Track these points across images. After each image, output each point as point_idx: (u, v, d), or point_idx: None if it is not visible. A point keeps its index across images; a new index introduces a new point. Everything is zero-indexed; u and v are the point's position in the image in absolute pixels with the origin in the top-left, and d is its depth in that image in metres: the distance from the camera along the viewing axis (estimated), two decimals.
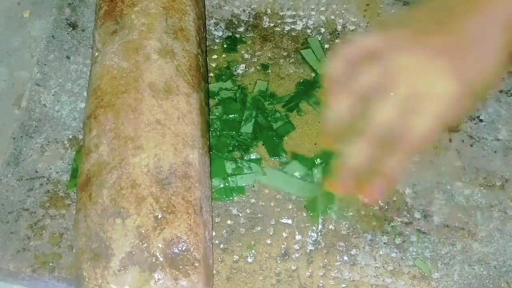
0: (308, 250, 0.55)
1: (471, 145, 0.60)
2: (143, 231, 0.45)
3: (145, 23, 0.53)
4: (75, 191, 0.57)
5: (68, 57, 0.63)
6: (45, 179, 0.58)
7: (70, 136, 0.60)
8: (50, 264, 0.54)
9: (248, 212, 0.57)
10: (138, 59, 0.52)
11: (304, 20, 0.65)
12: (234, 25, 0.65)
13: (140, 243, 0.45)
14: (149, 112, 0.50)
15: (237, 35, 0.65)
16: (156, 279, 0.45)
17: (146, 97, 0.50)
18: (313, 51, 0.64)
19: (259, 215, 0.56)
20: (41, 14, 0.72)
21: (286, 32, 0.65)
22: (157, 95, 0.50)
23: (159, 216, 0.46)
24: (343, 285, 0.54)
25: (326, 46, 0.64)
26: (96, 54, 0.54)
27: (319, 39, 0.64)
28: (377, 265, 0.55)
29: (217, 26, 0.65)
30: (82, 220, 0.48)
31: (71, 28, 0.65)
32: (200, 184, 0.50)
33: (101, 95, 0.51)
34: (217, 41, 0.65)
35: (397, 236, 0.56)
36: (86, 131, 0.51)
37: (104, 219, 0.46)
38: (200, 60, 0.56)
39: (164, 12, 0.54)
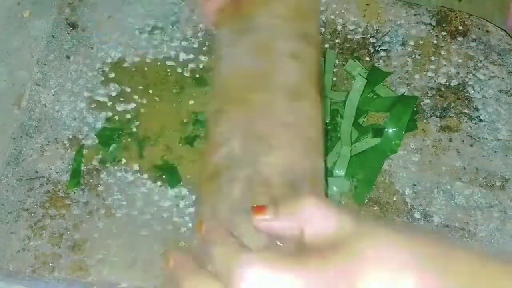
0: None
1: (471, 145, 0.60)
2: None
3: (274, 25, 0.53)
4: (75, 191, 0.57)
5: (68, 57, 0.63)
6: (45, 179, 0.58)
7: (70, 136, 0.60)
8: (50, 264, 0.54)
9: None
10: (269, 60, 0.51)
11: None
12: None
13: (272, 241, 0.44)
14: (281, 113, 0.49)
15: None
16: None
17: (278, 98, 0.50)
18: (324, 61, 0.64)
19: None
20: (41, 14, 0.72)
21: None
22: (289, 97, 0.50)
23: None
24: None
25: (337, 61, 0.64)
26: (225, 50, 0.53)
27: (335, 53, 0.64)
28: None
29: None
30: (207, 212, 0.47)
31: (71, 28, 0.65)
32: (323, 192, 0.50)
33: (231, 92, 0.51)
34: None
35: None
36: (212, 125, 0.51)
37: (235, 214, 0.45)
38: (321, 66, 0.55)
39: (292, 16, 0.54)
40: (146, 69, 0.63)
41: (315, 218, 0.37)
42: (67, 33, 0.65)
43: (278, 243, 0.41)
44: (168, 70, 0.63)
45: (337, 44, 0.64)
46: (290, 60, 0.52)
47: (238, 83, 0.51)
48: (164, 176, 0.58)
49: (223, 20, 0.55)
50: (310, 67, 0.53)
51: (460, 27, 0.66)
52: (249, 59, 0.52)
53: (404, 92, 0.62)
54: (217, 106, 0.52)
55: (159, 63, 0.64)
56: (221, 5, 0.55)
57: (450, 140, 0.61)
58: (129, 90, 0.62)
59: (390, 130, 0.60)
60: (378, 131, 0.60)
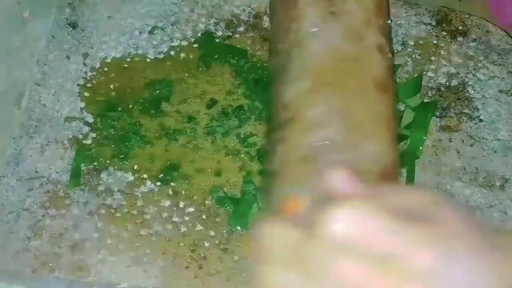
0: None
1: (471, 145, 0.60)
2: None
3: (364, 15, 0.53)
4: (75, 190, 0.57)
5: (68, 57, 0.63)
6: (45, 179, 0.58)
7: (70, 136, 0.60)
8: (50, 264, 0.54)
9: None
10: (361, 48, 0.52)
11: None
12: (234, 25, 0.65)
13: None
14: (374, 103, 0.50)
15: (237, 35, 0.65)
16: None
17: (370, 87, 0.50)
18: None
19: None
20: (41, 14, 0.72)
21: None
22: (379, 88, 0.50)
23: None
24: None
25: None
26: (314, 29, 0.53)
27: None
28: None
29: (217, 26, 0.65)
30: (294, 194, 0.46)
31: (71, 28, 0.65)
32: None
33: (325, 74, 0.51)
34: (217, 40, 0.65)
35: None
36: (305, 104, 0.50)
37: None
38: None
39: (377, 12, 0.54)
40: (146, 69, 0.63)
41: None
42: (67, 33, 0.65)
43: None
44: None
45: None
46: (377, 52, 0.52)
47: (332, 66, 0.51)
48: (164, 176, 0.58)
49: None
50: (391, 62, 0.54)
51: (460, 27, 0.66)
52: (341, 43, 0.52)
53: None
54: (310, 86, 0.51)
55: (159, 63, 0.64)
56: None
57: (450, 140, 0.61)
58: (129, 90, 0.62)
59: (414, 135, 0.61)
60: (400, 137, 0.60)
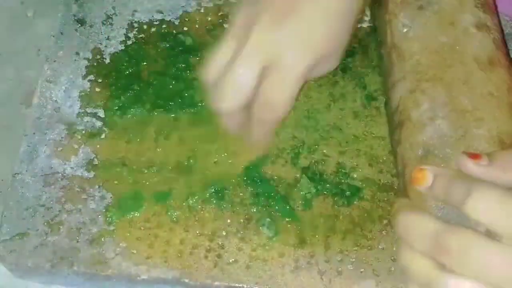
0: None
1: None
2: None
3: None
4: (91, 185, 0.57)
5: (77, 53, 0.63)
6: (60, 174, 0.58)
7: (84, 132, 0.60)
8: (69, 258, 0.54)
9: None
10: (456, 33, 0.52)
11: None
12: None
13: None
14: (480, 84, 0.49)
15: None
16: None
17: (474, 70, 0.50)
18: None
19: None
20: (47, 12, 0.72)
21: None
22: (484, 67, 0.50)
23: None
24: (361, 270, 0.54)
25: None
26: (405, 30, 0.54)
27: None
28: None
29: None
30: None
31: (79, 25, 0.65)
32: None
33: (424, 70, 0.51)
34: None
35: None
36: (411, 106, 0.51)
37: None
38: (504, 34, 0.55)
39: None
40: None
41: None
42: (75, 29, 0.65)
43: None
44: None
45: None
46: (476, 31, 0.52)
47: (430, 61, 0.52)
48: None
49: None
50: (496, 35, 0.53)
51: None
52: (435, 35, 0.52)
53: None
54: (411, 86, 0.52)
55: None
56: None
57: None
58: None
59: None
60: None
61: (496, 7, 0.58)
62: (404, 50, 0.54)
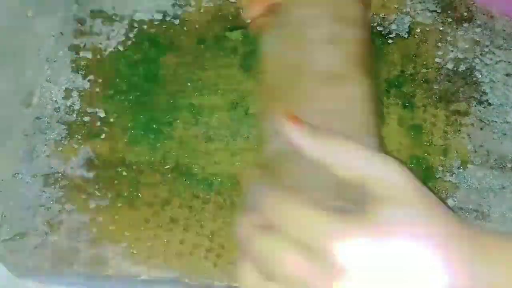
0: None
1: (481, 129, 0.61)
2: None
3: (308, 15, 0.52)
4: (91, 185, 0.57)
5: (77, 53, 0.63)
6: (60, 174, 0.58)
7: (83, 131, 0.60)
8: (69, 259, 0.54)
9: None
10: (304, 50, 0.51)
11: None
12: None
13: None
14: (320, 100, 0.49)
15: None
16: None
17: (315, 85, 0.49)
18: None
19: None
20: (47, 12, 0.72)
21: None
22: (327, 83, 0.49)
23: None
24: None
25: None
26: (267, 50, 0.54)
27: None
28: None
29: None
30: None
31: (79, 24, 0.65)
32: None
33: (273, 89, 0.51)
34: None
35: None
36: (261, 124, 0.52)
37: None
38: (367, 47, 0.54)
39: (330, 1, 0.53)
40: None
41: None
42: (75, 29, 0.65)
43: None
44: None
45: None
46: (327, 46, 0.51)
47: (277, 79, 0.51)
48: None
49: (266, 24, 0.55)
50: (351, 49, 0.52)
51: (465, 13, 0.67)
52: (285, 53, 0.52)
53: None
54: (263, 105, 0.52)
55: None
56: (261, 11, 0.55)
57: (460, 124, 0.61)
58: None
59: None
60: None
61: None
62: (262, 69, 0.54)
